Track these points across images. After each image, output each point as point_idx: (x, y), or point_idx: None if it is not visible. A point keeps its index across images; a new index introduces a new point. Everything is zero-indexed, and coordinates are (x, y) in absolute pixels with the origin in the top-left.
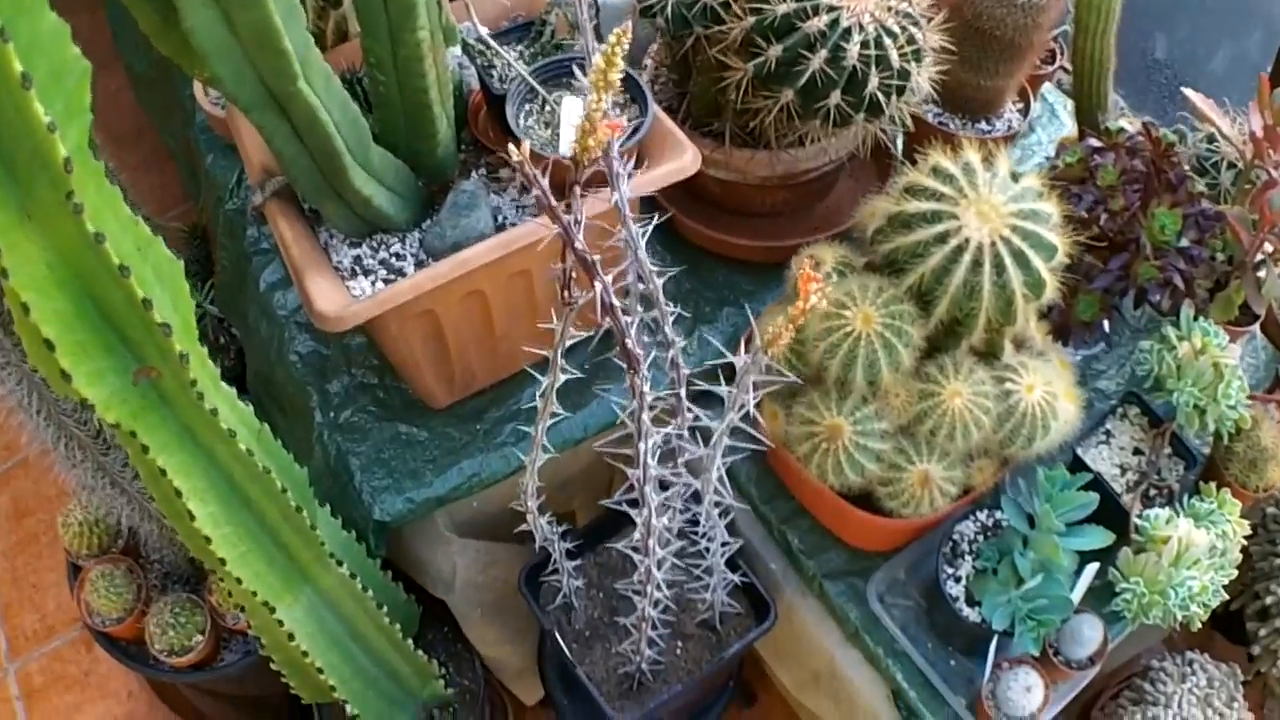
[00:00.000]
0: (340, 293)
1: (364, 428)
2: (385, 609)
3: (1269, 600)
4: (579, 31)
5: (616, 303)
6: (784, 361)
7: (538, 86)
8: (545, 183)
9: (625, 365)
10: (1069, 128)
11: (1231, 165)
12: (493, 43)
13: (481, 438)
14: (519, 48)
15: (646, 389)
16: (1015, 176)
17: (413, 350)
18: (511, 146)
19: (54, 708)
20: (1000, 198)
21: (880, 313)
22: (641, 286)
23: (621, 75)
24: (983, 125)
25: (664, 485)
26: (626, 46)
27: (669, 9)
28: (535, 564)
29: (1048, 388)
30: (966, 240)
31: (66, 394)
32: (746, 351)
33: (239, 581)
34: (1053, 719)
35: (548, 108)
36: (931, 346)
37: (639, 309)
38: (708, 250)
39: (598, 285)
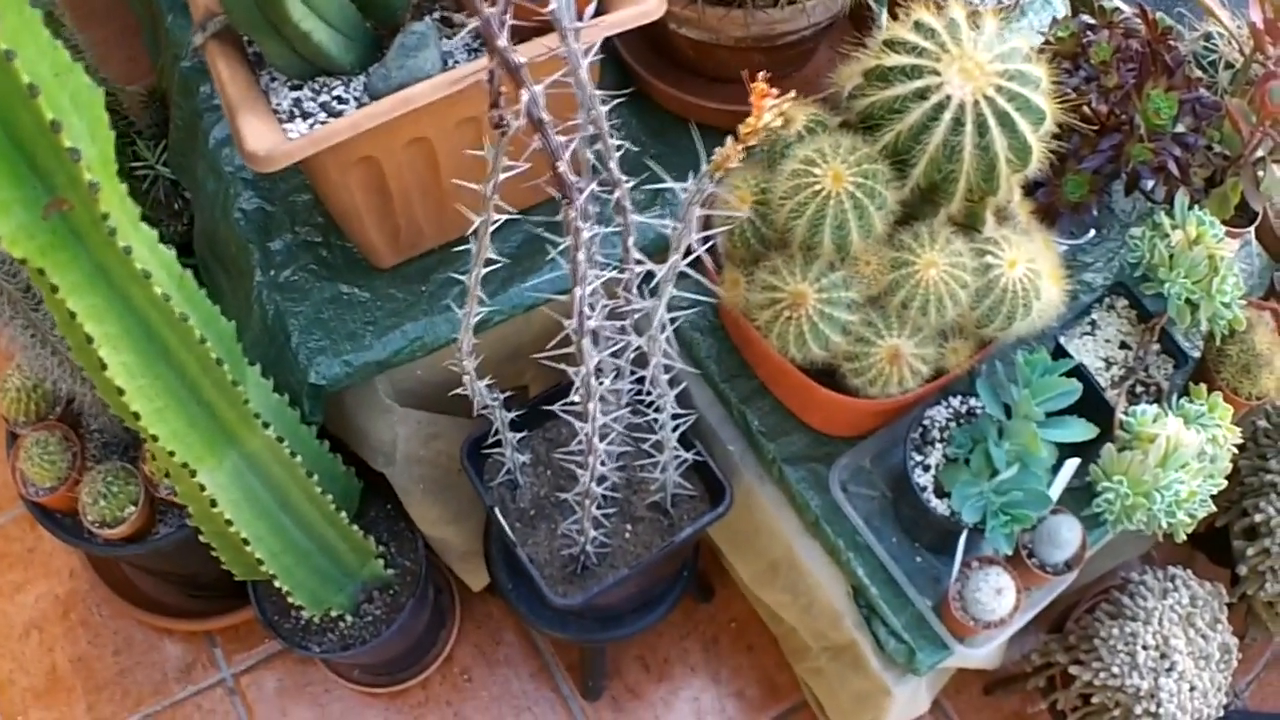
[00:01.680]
0: (274, 132)
1: (304, 287)
2: (318, 480)
3: (1258, 518)
4: None
5: (546, 118)
6: (747, 223)
7: None
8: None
9: (559, 195)
10: (1063, 11)
11: (1229, 65)
12: None
13: (426, 299)
14: None
15: (583, 225)
16: (1003, 37)
17: (354, 200)
18: None
19: None
20: (986, 56)
21: (852, 171)
22: (595, 143)
23: None
24: None
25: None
26: None
27: None
28: (478, 436)
29: (1030, 264)
30: (948, 98)
31: None
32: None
33: (155, 439)
34: (1024, 626)
35: None
36: (907, 214)
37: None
38: (677, 115)
39: (524, 95)
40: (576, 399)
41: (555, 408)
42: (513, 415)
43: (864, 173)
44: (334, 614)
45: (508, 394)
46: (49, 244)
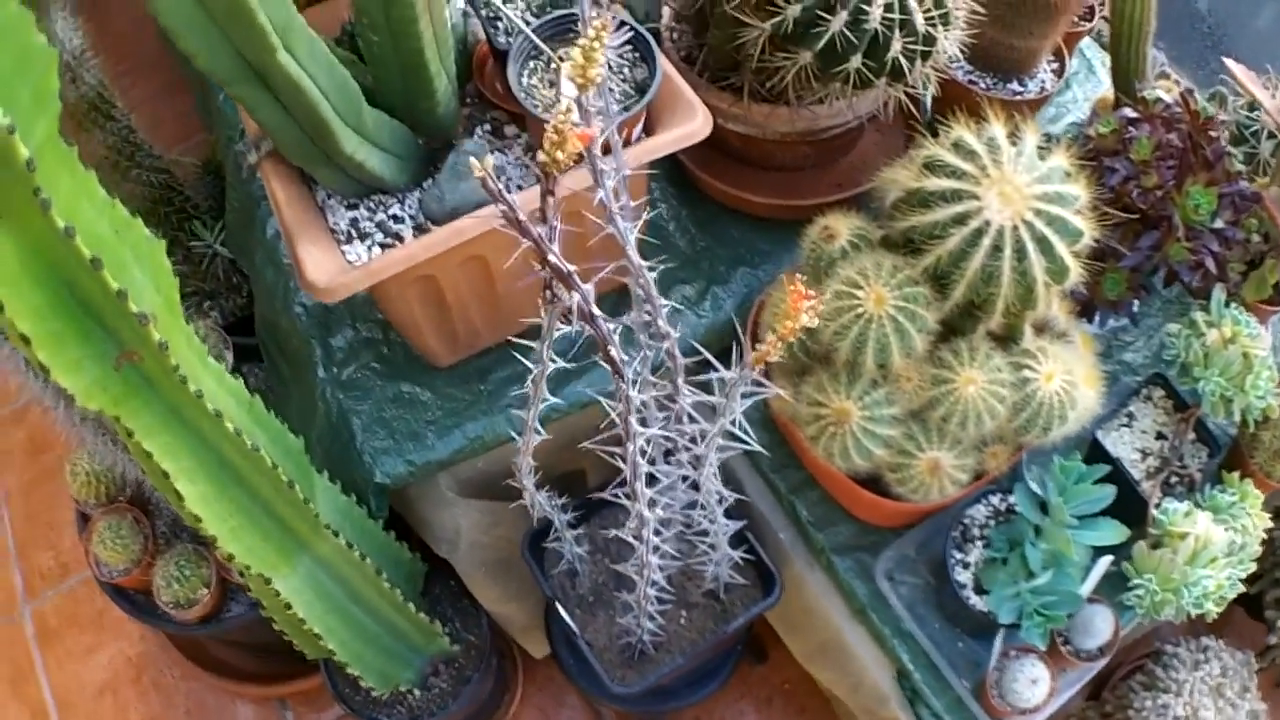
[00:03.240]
0: (333, 260)
1: (366, 385)
2: (385, 574)
3: None
4: None
5: (597, 312)
6: (792, 341)
7: (540, 44)
8: (515, 200)
9: (610, 370)
10: (1106, 85)
11: (1272, 135)
12: None
13: (485, 399)
14: (520, 2)
15: (633, 393)
16: (1043, 152)
17: (412, 312)
18: (474, 162)
19: (68, 650)
20: (1025, 178)
21: (894, 294)
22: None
23: (629, 35)
24: (1014, 86)
25: (655, 479)
26: (608, 40)
27: None
28: (537, 531)
29: (1067, 376)
30: (987, 223)
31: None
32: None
33: (231, 557)
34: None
35: (552, 65)
36: (948, 329)
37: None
38: (724, 205)
39: (575, 297)
40: (631, 525)
41: (617, 533)
42: (569, 517)
43: (905, 295)
44: (402, 689)
45: (564, 499)
46: (122, 394)
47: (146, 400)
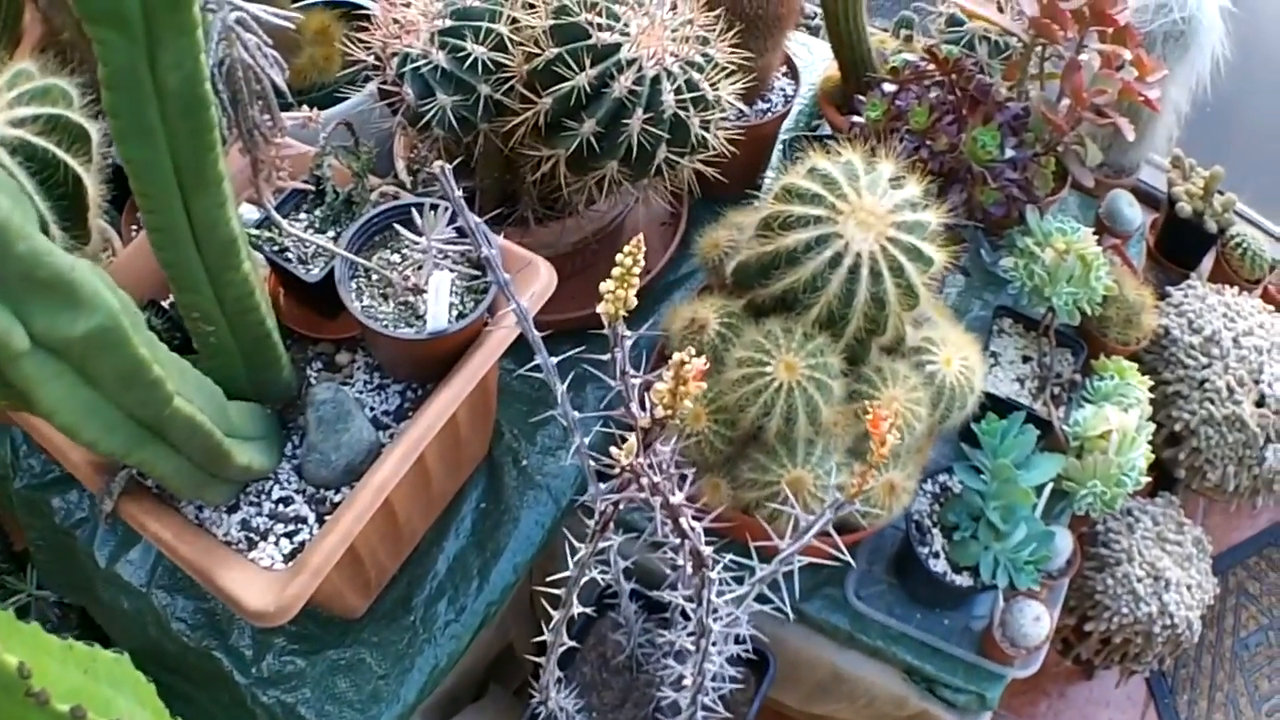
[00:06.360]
0: (262, 578)
1: (295, 671)
2: None
3: (1176, 427)
4: (361, 177)
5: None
6: (710, 434)
7: (364, 263)
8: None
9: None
10: (822, 66)
11: (984, 38)
12: (288, 226)
13: (421, 627)
14: (304, 217)
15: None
16: (897, 182)
17: (332, 582)
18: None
19: None
20: (882, 205)
21: (800, 357)
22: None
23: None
24: (760, 107)
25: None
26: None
27: (445, 116)
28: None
29: (958, 353)
30: (845, 247)
31: None
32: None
33: None
34: None
35: (374, 277)
36: (847, 361)
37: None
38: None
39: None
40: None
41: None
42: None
43: (811, 351)
44: None
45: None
46: None
47: None
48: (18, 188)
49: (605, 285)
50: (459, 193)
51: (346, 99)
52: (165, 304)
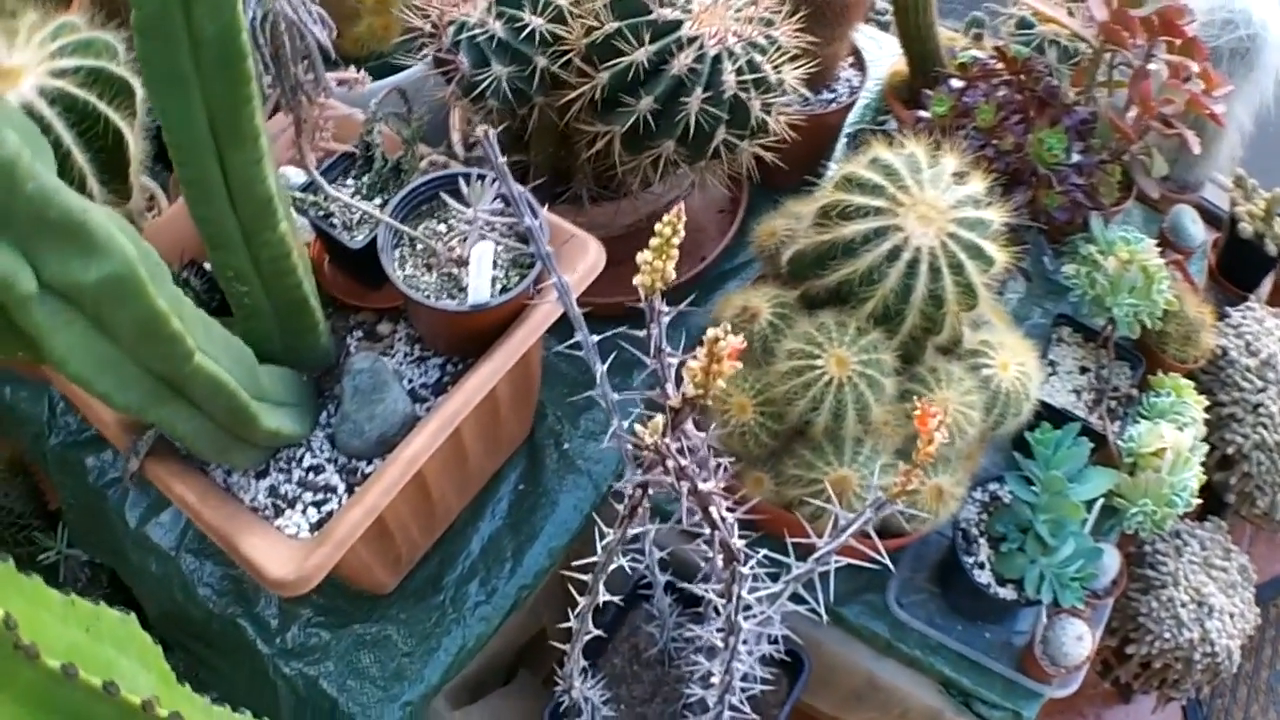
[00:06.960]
0: (286, 547)
1: (319, 644)
2: None
3: (1229, 450)
4: (411, 145)
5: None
6: (756, 426)
7: (408, 231)
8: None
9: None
10: (890, 61)
11: (1054, 42)
12: (332, 190)
13: (450, 607)
14: (350, 183)
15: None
16: (960, 177)
17: (359, 556)
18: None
19: None
20: (944, 200)
21: (853, 351)
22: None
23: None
24: (824, 96)
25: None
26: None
27: (500, 87)
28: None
29: (1016, 359)
30: (905, 240)
31: None
32: None
33: None
34: None
35: (419, 247)
36: (902, 360)
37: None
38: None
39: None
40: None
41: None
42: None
43: (864, 347)
44: None
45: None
46: None
47: None
48: (36, 130)
49: (643, 255)
50: (502, 159)
51: (405, 68)
52: (206, 265)
